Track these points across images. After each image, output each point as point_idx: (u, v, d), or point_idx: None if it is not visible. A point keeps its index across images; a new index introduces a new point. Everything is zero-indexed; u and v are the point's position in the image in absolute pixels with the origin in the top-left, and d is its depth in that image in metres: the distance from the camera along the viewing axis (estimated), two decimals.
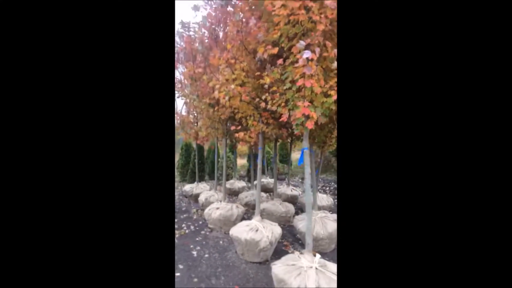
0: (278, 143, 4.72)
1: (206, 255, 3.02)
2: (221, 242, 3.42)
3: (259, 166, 3.17)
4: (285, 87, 2.19)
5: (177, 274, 2.60)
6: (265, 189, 5.97)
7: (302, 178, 8.70)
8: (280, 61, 2.10)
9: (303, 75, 1.94)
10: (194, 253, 3.09)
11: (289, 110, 2.21)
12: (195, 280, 2.49)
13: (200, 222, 4.20)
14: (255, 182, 5.78)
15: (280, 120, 2.23)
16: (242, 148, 8.74)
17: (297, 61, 2.06)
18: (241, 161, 10.26)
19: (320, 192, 5.38)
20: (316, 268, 1.91)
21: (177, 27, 4.37)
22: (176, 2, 1.18)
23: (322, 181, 8.16)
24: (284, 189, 5.18)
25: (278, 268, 2.01)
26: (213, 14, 3.69)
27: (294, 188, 5.29)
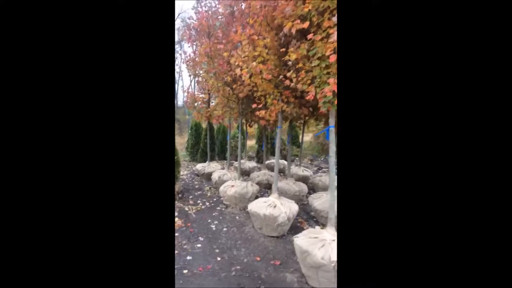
0: (291, 124, 4.70)
1: (225, 229, 3.15)
2: (237, 217, 3.54)
3: (277, 145, 3.20)
4: (312, 64, 2.16)
5: (198, 245, 2.73)
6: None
7: (311, 160, 8.77)
8: (310, 35, 2.05)
9: (335, 51, 1.90)
10: (213, 226, 3.22)
11: (315, 88, 2.19)
12: (217, 250, 2.62)
13: (215, 199, 4.33)
14: (266, 162, 5.86)
15: (307, 98, 2.21)
16: (250, 129, 8.74)
17: (327, 37, 2.01)
18: (249, 143, 10.30)
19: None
20: None
21: (192, 2, 4.23)
22: None
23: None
24: (296, 169, 5.25)
25: (301, 240, 2.09)
26: None
27: (305, 168, 5.36)
